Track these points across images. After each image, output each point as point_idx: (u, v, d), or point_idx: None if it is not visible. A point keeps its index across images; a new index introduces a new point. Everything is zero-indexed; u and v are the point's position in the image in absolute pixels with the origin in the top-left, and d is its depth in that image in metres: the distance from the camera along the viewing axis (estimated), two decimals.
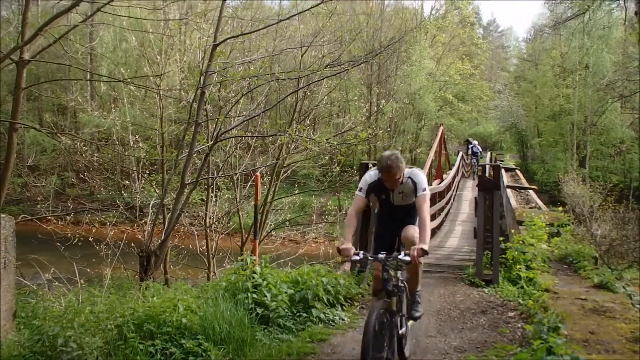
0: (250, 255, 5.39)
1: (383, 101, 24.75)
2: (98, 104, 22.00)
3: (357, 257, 3.49)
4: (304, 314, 4.97)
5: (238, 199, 11.31)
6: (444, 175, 18.03)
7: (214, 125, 9.51)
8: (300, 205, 16.89)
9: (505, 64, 52.20)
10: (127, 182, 12.79)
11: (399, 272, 3.62)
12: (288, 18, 10.60)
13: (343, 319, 5.12)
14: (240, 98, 10.10)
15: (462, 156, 23.30)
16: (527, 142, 34.50)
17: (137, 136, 12.26)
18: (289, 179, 16.14)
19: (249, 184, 11.48)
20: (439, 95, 30.92)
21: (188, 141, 8.08)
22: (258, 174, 6.61)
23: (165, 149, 12.34)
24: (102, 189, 19.79)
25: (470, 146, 23.96)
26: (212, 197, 11.02)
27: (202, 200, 12.54)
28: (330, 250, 13.18)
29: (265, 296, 4.81)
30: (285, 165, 12.27)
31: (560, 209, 9.65)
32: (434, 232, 11.87)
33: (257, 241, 5.96)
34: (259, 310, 4.71)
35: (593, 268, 6.49)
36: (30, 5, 7.54)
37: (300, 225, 15.14)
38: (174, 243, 10.28)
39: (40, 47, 7.30)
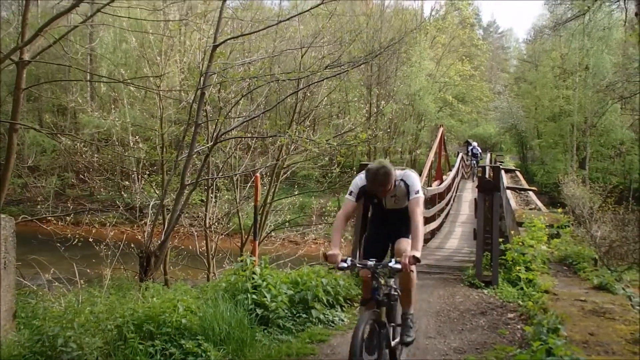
0: (250, 256, 5.39)
1: (383, 102, 24.74)
2: (98, 105, 22.00)
3: (345, 265, 3.22)
4: (304, 315, 4.97)
5: (238, 200, 11.31)
6: (444, 177, 18.03)
7: (214, 126, 9.53)
8: (300, 206, 16.90)
9: (505, 65, 52.22)
10: (127, 182, 12.79)
11: (391, 280, 3.43)
12: (288, 19, 10.61)
13: (343, 320, 5.13)
14: (240, 99, 10.11)
15: (462, 157, 23.31)
16: (527, 144, 34.49)
17: (137, 137, 12.27)
18: (289, 180, 16.14)
19: (249, 184, 11.48)
20: (439, 96, 30.92)
21: (188, 142, 8.09)
22: (258, 174, 6.61)
23: (165, 150, 12.34)
24: (102, 189, 19.78)
25: (470, 147, 23.95)
26: (212, 197, 11.02)
27: (202, 201, 12.53)
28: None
29: (265, 297, 4.82)
30: (285, 166, 12.27)
31: (560, 210, 9.65)
32: (434, 232, 11.88)
33: (257, 242, 5.96)
34: (259, 311, 4.71)
35: (593, 269, 6.49)
36: (30, 6, 7.54)
37: (300, 226, 15.13)
38: (174, 244, 10.28)
39: (40, 48, 7.30)
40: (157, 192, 11.03)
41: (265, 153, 13.68)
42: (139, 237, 9.33)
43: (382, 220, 3.94)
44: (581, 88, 28.51)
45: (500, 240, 6.94)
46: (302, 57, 10.80)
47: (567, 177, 19.93)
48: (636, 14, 10.22)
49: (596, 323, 4.00)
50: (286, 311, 4.88)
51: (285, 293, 5.01)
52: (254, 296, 4.81)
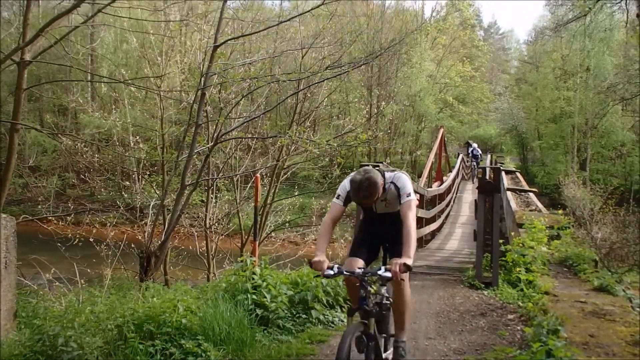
0: (250, 257, 5.40)
1: (383, 103, 24.77)
2: (99, 105, 22.04)
3: (331, 272, 2.98)
4: (304, 315, 4.97)
5: (238, 200, 11.31)
6: (444, 178, 18.04)
7: (214, 127, 9.54)
8: (300, 206, 16.90)
9: (505, 66, 52.25)
10: (127, 183, 12.77)
11: (383, 289, 3.21)
12: (288, 20, 10.61)
13: (342, 321, 5.12)
14: (241, 99, 10.12)
15: (462, 159, 23.31)
16: (527, 145, 34.50)
17: (137, 137, 12.26)
18: (289, 180, 16.12)
19: (249, 185, 11.48)
20: (440, 97, 30.92)
21: (188, 142, 8.09)
22: (258, 175, 6.62)
23: (165, 150, 12.33)
24: (102, 189, 19.76)
25: (470, 149, 23.95)
26: (212, 198, 11.02)
27: (202, 201, 12.53)
28: (330, 252, 13.16)
29: (265, 297, 4.82)
30: (285, 166, 12.27)
31: (560, 211, 9.65)
32: (434, 234, 11.89)
33: (257, 242, 5.97)
34: (259, 311, 4.71)
35: (593, 271, 6.47)
36: (32, 7, 7.56)
37: (300, 227, 15.13)
38: (174, 244, 10.28)
39: (41, 48, 7.33)
40: (158, 193, 11.03)
41: (265, 154, 13.69)
42: (140, 237, 9.33)
43: (373, 225, 3.73)
44: (582, 89, 28.51)
45: (501, 241, 6.94)
46: (302, 57, 10.80)
47: (567, 178, 19.89)
48: (637, 15, 10.23)
49: (596, 325, 3.99)
50: (286, 312, 4.88)
51: (285, 293, 5.02)
52: (254, 296, 4.81)
